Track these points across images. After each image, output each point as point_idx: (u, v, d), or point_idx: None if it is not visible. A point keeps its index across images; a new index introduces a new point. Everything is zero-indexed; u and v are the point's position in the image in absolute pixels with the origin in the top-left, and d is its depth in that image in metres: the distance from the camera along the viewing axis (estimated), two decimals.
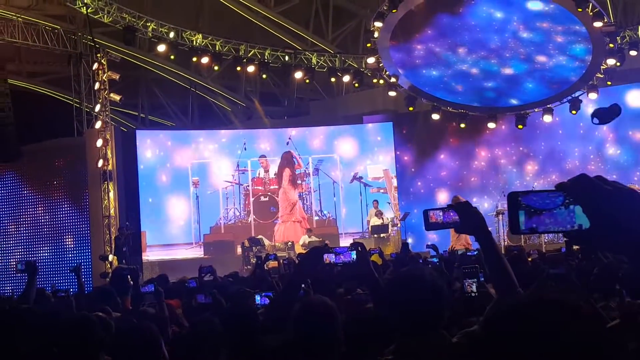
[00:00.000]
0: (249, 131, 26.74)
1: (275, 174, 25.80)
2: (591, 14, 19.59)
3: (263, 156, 25.95)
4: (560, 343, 1.44)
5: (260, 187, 25.87)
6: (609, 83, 21.91)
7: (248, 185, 25.83)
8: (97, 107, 22.66)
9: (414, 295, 3.63)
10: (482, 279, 6.53)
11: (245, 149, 25.49)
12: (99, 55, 22.79)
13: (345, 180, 26.02)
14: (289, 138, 25.84)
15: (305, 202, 26.26)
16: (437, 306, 3.68)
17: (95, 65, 22.78)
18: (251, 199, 25.69)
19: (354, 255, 5.10)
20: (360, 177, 25.78)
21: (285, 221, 25.48)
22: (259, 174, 25.88)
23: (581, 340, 1.45)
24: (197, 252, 24.43)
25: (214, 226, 25.45)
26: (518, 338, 1.46)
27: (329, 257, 5.10)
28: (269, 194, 25.73)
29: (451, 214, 3.64)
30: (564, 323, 1.47)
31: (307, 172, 26.15)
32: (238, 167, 25.68)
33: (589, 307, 1.52)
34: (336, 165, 26.22)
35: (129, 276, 9.55)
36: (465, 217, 3.65)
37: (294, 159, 25.74)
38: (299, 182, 25.95)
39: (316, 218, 26.18)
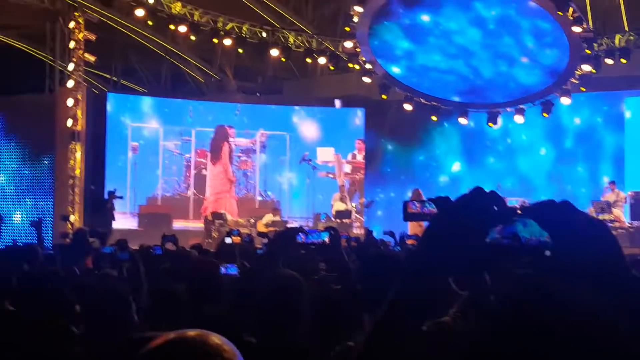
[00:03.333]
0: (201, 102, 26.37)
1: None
2: (571, 18, 19.69)
3: (230, 126, 25.54)
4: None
5: (203, 160, 25.20)
6: (583, 89, 22.10)
7: (190, 156, 25.20)
8: (71, 66, 22.38)
9: (387, 274, 3.68)
10: None
11: (191, 116, 25.00)
12: (76, 13, 22.50)
13: (294, 161, 25.73)
14: (238, 109, 25.46)
15: (249, 180, 25.82)
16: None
17: (72, 24, 22.49)
18: (192, 172, 25.15)
19: (324, 236, 5.15)
20: (310, 159, 25.60)
21: (221, 199, 24.97)
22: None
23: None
24: (130, 223, 23.42)
25: (150, 197, 24.59)
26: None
27: (301, 237, 5.18)
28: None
29: (429, 206, 3.67)
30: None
31: (253, 148, 25.81)
32: (182, 136, 25.08)
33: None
34: (286, 144, 25.85)
35: (94, 238, 9.55)
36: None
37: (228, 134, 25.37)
38: (244, 158, 25.67)
39: (259, 198, 25.69)
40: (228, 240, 10.71)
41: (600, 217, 18.23)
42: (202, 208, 24.55)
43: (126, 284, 5.52)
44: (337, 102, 26.49)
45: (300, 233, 5.26)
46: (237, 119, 25.46)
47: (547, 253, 1.65)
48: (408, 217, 3.66)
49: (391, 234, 11.98)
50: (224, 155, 25.08)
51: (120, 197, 21.84)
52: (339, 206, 23.77)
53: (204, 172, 25.11)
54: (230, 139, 25.42)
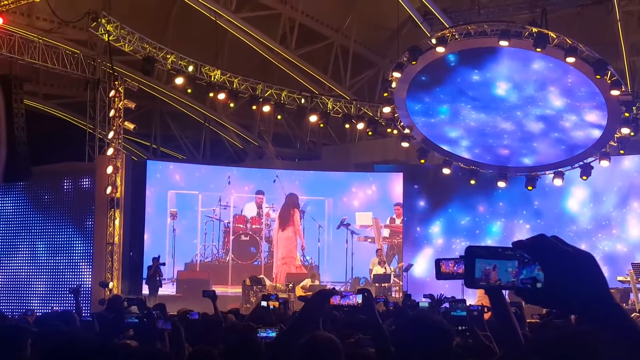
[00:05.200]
0: (240, 168, 26.60)
1: (269, 211, 25.37)
2: (609, 82, 19.66)
3: (261, 192, 25.56)
4: None
5: (241, 225, 25.27)
6: (621, 152, 21.95)
7: (229, 222, 25.23)
8: (111, 134, 22.68)
9: (424, 335, 3.65)
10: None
11: (229, 183, 25.10)
12: (116, 82, 22.87)
13: (332, 226, 25.69)
14: (276, 176, 25.52)
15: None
16: (445, 347, 3.69)
17: (112, 93, 22.86)
18: (231, 237, 25.14)
19: (359, 298, 5.08)
20: (348, 224, 25.52)
21: (287, 263, 25.16)
22: (257, 212, 25.47)
23: None
24: (168, 289, 23.27)
25: (189, 263, 24.64)
26: None
27: (335, 299, 5.11)
28: (250, 233, 25.22)
29: (463, 265, 3.62)
30: None
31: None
32: (220, 202, 25.10)
33: None
34: (324, 210, 25.87)
35: (131, 305, 9.49)
36: None
37: (298, 202, 25.57)
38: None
39: (298, 263, 25.73)
40: (264, 304, 10.59)
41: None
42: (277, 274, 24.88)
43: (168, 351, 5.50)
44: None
45: (334, 295, 5.20)
46: (276, 184, 25.49)
47: (539, 285, 1.71)
48: (441, 276, 3.61)
49: (430, 297, 11.79)
50: (295, 222, 25.30)
51: (163, 264, 21.94)
52: (378, 270, 23.60)
53: (242, 237, 25.14)
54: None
